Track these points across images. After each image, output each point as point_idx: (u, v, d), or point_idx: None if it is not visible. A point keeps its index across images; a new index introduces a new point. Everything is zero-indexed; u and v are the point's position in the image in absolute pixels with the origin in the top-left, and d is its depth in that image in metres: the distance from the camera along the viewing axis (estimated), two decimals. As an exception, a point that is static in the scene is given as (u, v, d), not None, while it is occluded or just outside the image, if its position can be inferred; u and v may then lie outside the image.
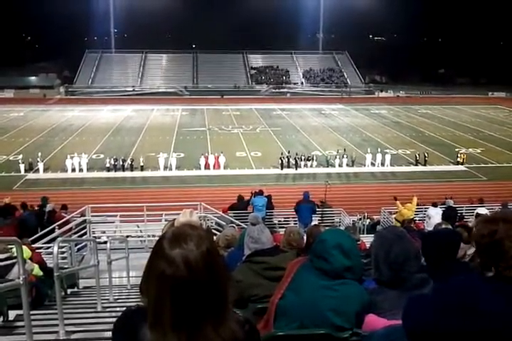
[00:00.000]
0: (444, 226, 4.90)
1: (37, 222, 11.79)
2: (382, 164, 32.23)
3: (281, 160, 31.33)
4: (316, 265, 2.38)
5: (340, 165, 31.92)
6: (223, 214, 13.77)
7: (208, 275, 1.34)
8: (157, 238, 1.49)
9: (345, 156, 32.17)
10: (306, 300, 2.30)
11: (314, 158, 32.27)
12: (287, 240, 4.39)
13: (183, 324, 1.34)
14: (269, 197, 16.73)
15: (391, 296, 2.35)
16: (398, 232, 2.55)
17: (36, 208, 13.45)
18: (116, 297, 7.05)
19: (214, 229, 11.44)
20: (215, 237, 6.48)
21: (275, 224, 15.88)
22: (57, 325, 4.30)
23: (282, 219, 16.95)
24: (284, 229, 10.40)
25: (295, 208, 15.07)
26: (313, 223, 13.30)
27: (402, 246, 2.41)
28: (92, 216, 11.96)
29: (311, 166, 31.63)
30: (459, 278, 1.55)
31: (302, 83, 77.83)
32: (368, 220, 18.67)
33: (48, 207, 12.76)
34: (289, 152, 32.82)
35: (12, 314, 5.05)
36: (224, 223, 11.88)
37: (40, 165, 30.28)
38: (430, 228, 11.49)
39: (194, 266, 1.33)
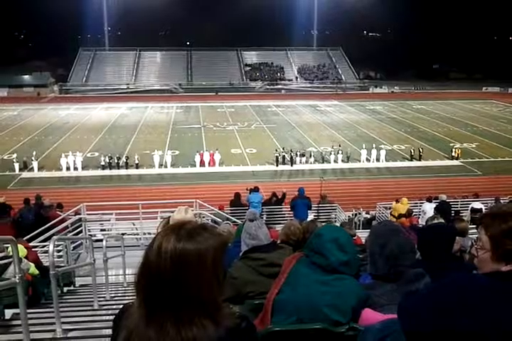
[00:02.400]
0: (436, 220, 4.91)
1: (33, 219, 11.76)
2: (378, 160, 32.29)
3: (277, 157, 31.35)
4: (312, 260, 2.39)
5: (335, 161, 31.95)
6: (219, 211, 13.76)
7: (178, 272, 1.30)
8: (153, 235, 1.49)
9: (340, 152, 32.20)
10: (303, 295, 2.30)
11: (311, 154, 32.28)
12: (286, 234, 4.28)
13: (152, 318, 1.33)
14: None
15: (387, 290, 2.36)
16: (393, 226, 2.56)
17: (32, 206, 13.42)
18: (113, 295, 7.05)
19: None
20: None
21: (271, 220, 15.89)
22: (54, 323, 4.30)
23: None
24: (278, 226, 10.45)
25: (291, 204, 15.08)
26: (308, 219, 13.32)
27: (398, 240, 2.42)
28: (87, 214, 11.94)
29: (307, 162, 31.65)
30: (456, 275, 1.53)
31: (297, 79, 77.75)
32: (364, 215, 18.72)
33: (46, 203, 12.79)
34: (283, 148, 32.82)
35: (8, 313, 5.05)
36: (220, 220, 11.88)
37: (35, 164, 30.13)
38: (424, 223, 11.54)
39: (163, 256, 1.31)
